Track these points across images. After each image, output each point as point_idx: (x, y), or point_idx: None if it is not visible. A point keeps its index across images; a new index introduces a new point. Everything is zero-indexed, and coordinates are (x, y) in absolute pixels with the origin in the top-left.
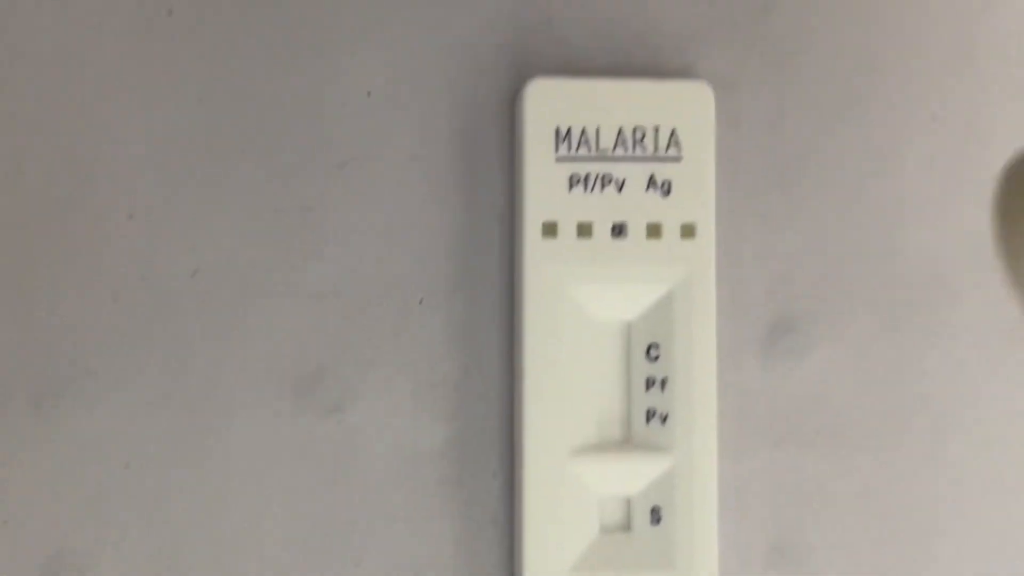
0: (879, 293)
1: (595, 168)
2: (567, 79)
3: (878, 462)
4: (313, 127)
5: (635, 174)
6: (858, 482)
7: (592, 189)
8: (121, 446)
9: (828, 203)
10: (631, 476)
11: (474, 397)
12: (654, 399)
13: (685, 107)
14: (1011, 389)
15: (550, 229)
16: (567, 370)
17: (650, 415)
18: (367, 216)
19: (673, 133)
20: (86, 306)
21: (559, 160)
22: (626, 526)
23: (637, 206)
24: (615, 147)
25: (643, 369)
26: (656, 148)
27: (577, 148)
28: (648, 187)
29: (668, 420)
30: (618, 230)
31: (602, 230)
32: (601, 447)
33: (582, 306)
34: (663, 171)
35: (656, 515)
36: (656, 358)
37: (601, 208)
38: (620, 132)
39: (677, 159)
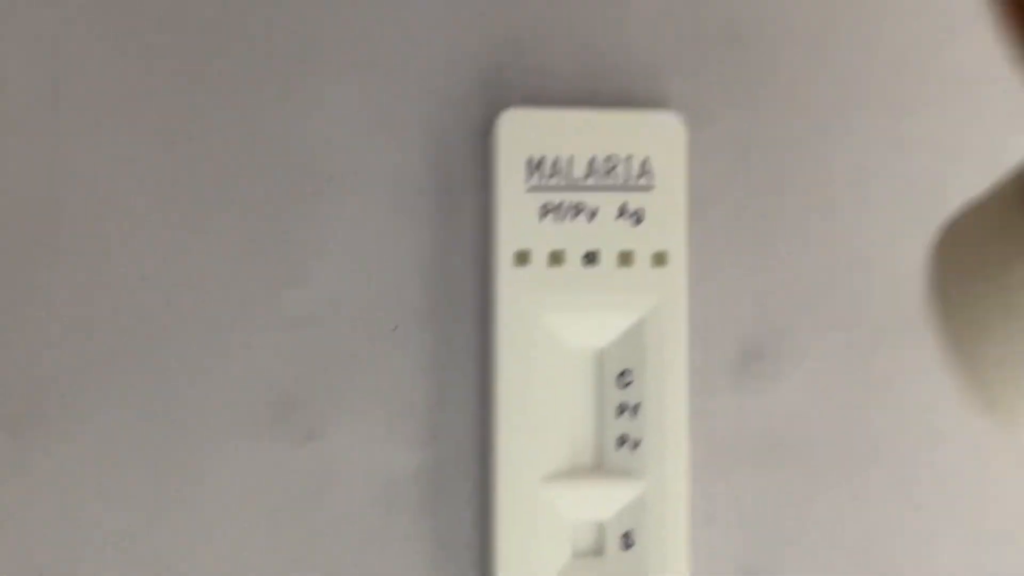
0: (848, 320)
1: (567, 197)
2: (539, 110)
3: (847, 487)
4: (289, 158)
5: (607, 203)
6: (827, 507)
7: (564, 218)
8: (97, 473)
9: (798, 231)
10: (603, 501)
11: (448, 423)
12: (626, 425)
13: (656, 137)
14: (978, 417)
15: (522, 257)
16: (540, 397)
17: (622, 441)
18: (342, 245)
19: (644, 162)
20: (63, 333)
21: (532, 189)
22: (598, 551)
23: (609, 234)
24: (587, 176)
25: (615, 395)
26: (627, 177)
27: (549, 177)
28: (619, 216)
29: (640, 446)
30: (590, 258)
31: (574, 258)
32: (573, 473)
33: (554, 333)
34: (634, 200)
35: (628, 540)
36: (628, 384)
37: (573, 236)
38: (592, 161)
39: (648, 188)
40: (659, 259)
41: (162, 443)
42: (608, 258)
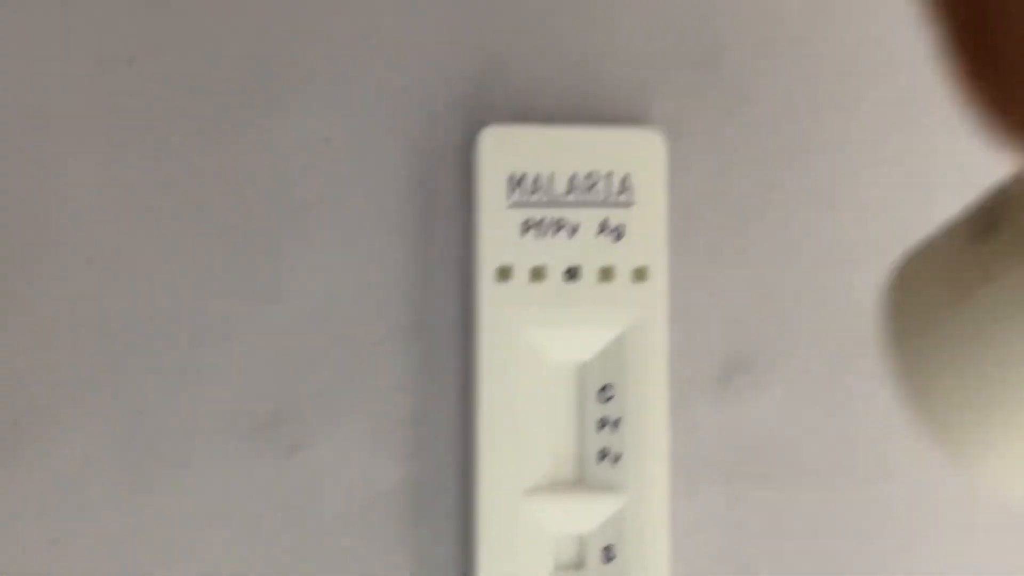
0: (828, 334)
1: (548, 213)
2: (521, 127)
3: (828, 499)
4: (272, 174)
5: (588, 219)
6: (809, 519)
7: (546, 234)
8: (79, 488)
9: (778, 246)
10: (584, 515)
11: (430, 438)
12: (607, 439)
13: (637, 153)
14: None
15: (504, 273)
16: (521, 411)
17: (603, 455)
18: (326, 260)
19: (625, 179)
20: (44, 349)
21: (513, 206)
22: (579, 564)
23: (590, 250)
24: (568, 193)
25: (596, 410)
26: (608, 194)
27: (531, 194)
28: (600, 231)
29: (620, 459)
30: (571, 274)
31: (555, 274)
32: (555, 486)
33: (536, 348)
34: (615, 216)
35: (609, 553)
36: (609, 399)
37: (554, 252)
38: (573, 178)
39: (629, 204)
40: (639, 274)
41: (146, 456)
42: (589, 273)
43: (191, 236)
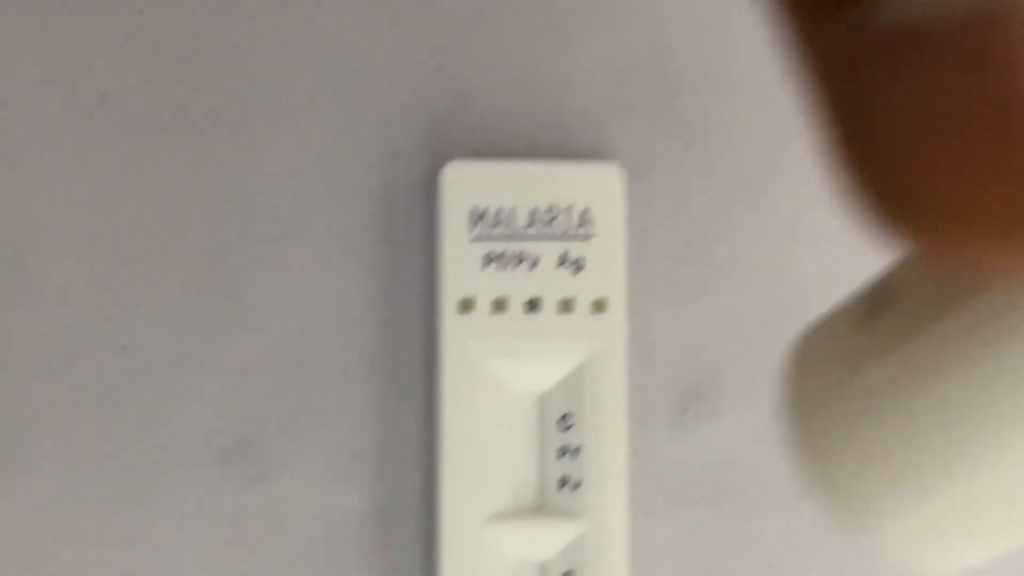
0: (783, 364)
1: (509, 247)
2: (483, 162)
3: (784, 526)
4: (237, 207)
5: (548, 252)
6: (765, 545)
7: (507, 266)
8: (50, 517)
9: (735, 278)
10: (545, 541)
11: (394, 466)
12: (567, 467)
13: (596, 188)
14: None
15: (466, 305)
16: (483, 440)
17: (563, 482)
18: (291, 292)
19: (585, 212)
20: (14, 380)
21: (475, 239)
22: None
23: (550, 282)
24: (529, 226)
25: (556, 438)
26: (568, 227)
27: (493, 227)
28: (560, 264)
29: (580, 487)
30: (532, 305)
31: (516, 306)
32: (516, 513)
33: (497, 378)
34: (575, 249)
35: None
36: (569, 427)
37: (515, 284)
38: (534, 212)
39: (588, 237)
40: (599, 306)
41: (113, 486)
42: (549, 305)
43: (159, 270)
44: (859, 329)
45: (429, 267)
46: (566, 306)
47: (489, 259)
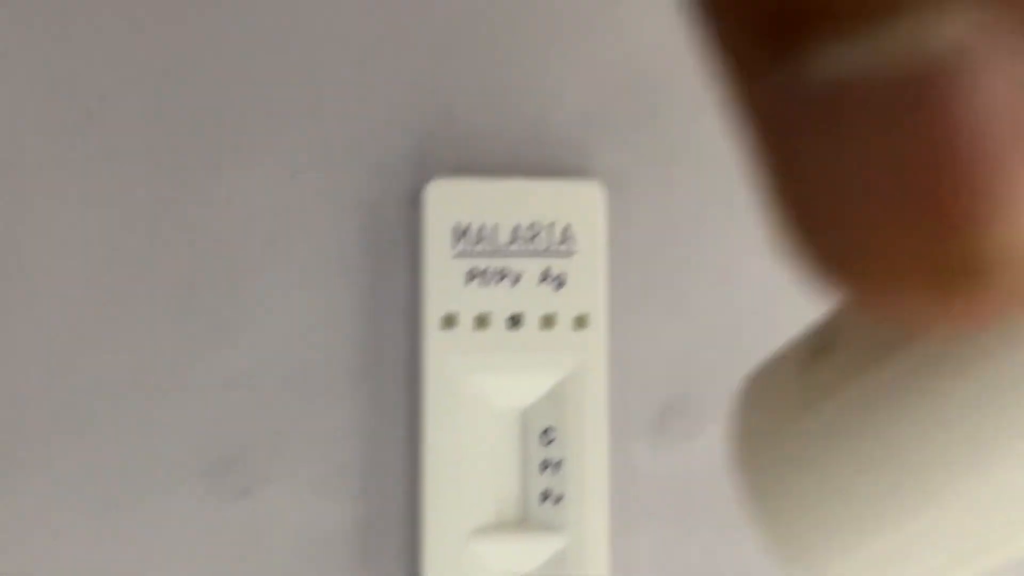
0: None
1: (492, 263)
2: (466, 179)
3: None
4: (222, 223)
5: (530, 268)
6: (744, 559)
7: (489, 283)
8: (37, 531)
9: (714, 294)
10: (527, 555)
11: (378, 480)
12: (549, 480)
13: (578, 205)
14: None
15: (449, 321)
16: (466, 454)
17: (545, 496)
18: (277, 308)
19: (566, 229)
20: (3, 394)
21: (458, 256)
22: None
23: (532, 298)
24: (511, 243)
25: (538, 452)
26: (550, 243)
27: (476, 244)
28: (542, 280)
29: (562, 501)
30: (514, 321)
31: (499, 321)
32: (499, 527)
33: (480, 393)
34: (557, 265)
35: None
36: (551, 442)
37: (498, 300)
38: (516, 229)
39: (570, 254)
40: (580, 322)
41: (97, 501)
42: (531, 321)
43: (146, 287)
44: (803, 371)
45: (412, 283)
46: (548, 322)
47: (472, 275)
